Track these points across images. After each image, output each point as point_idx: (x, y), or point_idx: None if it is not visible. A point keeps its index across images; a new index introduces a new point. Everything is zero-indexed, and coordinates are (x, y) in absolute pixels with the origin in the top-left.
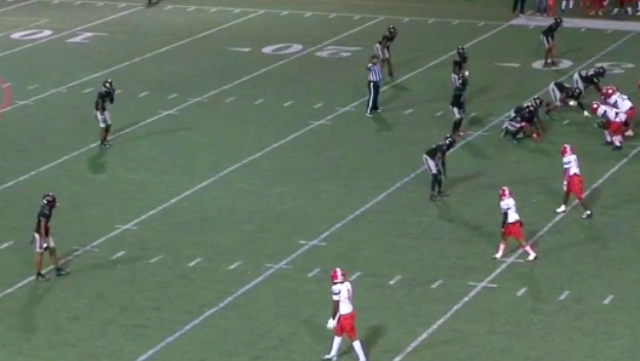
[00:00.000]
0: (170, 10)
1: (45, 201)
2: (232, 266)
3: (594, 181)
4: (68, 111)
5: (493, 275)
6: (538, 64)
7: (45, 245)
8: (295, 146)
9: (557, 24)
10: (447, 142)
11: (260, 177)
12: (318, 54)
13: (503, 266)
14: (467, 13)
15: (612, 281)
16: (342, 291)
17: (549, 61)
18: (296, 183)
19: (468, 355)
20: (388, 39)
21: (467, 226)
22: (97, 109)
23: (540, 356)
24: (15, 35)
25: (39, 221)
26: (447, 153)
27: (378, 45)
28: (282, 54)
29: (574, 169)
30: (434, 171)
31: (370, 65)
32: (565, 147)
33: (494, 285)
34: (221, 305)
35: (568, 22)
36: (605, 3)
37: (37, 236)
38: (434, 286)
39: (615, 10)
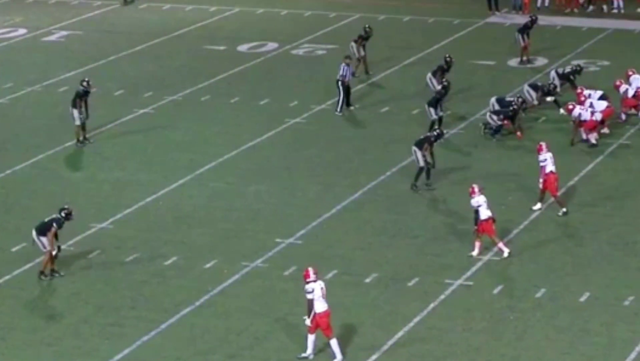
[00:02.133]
0: (145, 9)
1: (63, 214)
2: (208, 265)
3: (570, 179)
4: (44, 110)
5: (469, 273)
6: (514, 62)
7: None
8: (271, 144)
9: (533, 21)
10: (435, 133)
11: (236, 176)
12: (293, 52)
13: (479, 263)
14: (443, 11)
15: (588, 279)
16: (316, 289)
17: (525, 58)
18: (272, 181)
19: (444, 353)
20: (364, 38)
21: (444, 223)
22: (73, 107)
23: (517, 354)
24: None
25: (51, 225)
26: (435, 144)
27: (353, 44)
28: (258, 52)
29: (549, 167)
30: (421, 163)
31: (344, 64)
32: (541, 145)
33: (470, 283)
34: (197, 303)
35: (544, 20)
36: (580, 0)
37: (43, 239)
38: (410, 284)
39: (591, 7)
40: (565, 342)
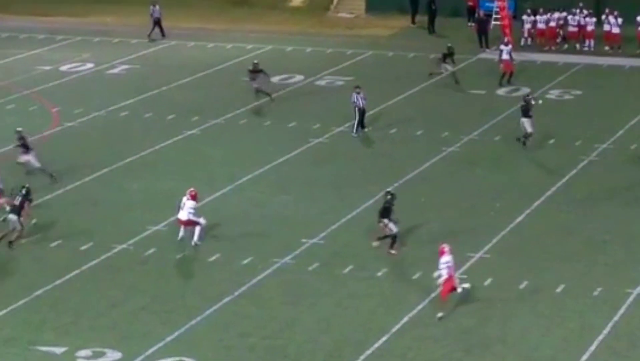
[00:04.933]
0: (192, 47)
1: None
2: (245, 261)
3: (553, 184)
4: (107, 131)
5: (464, 268)
6: (501, 91)
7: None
8: (297, 160)
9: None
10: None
11: (268, 187)
12: (317, 83)
13: (473, 260)
14: (442, 48)
15: (563, 273)
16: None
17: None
18: (298, 191)
19: (442, 334)
20: (447, 55)
21: (442, 227)
22: None
23: (503, 336)
24: (64, 68)
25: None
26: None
27: (444, 64)
28: (287, 83)
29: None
30: (395, 230)
31: (355, 93)
32: (443, 248)
33: (465, 276)
34: (236, 293)
35: (526, 56)
36: (557, 40)
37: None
38: (414, 277)
39: (566, 46)
40: (544, 326)
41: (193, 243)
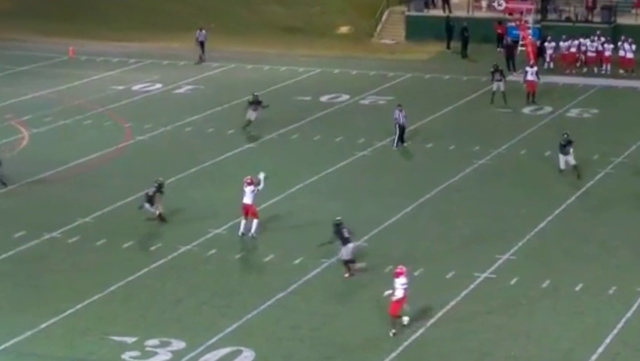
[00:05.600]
0: (250, 69)
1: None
2: (296, 261)
3: (573, 194)
4: (174, 145)
5: (493, 268)
6: (527, 110)
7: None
8: (344, 171)
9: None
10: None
11: (317, 194)
12: (361, 102)
13: (500, 261)
14: (473, 71)
15: (581, 274)
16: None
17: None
18: (344, 199)
19: (472, 329)
20: (496, 70)
21: (474, 231)
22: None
23: (528, 330)
24: (135, 88)
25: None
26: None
27: (495, 82)
28: (334, 102)
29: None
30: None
31: (397, 110)
32: (402, 270)
33: (494, 276)
34: (288, 290)
35: (549, 78)
36: (577, 64)
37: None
38: (448, 276)
39: (585, 69)
40: (563, 322)
41: (251, 235)
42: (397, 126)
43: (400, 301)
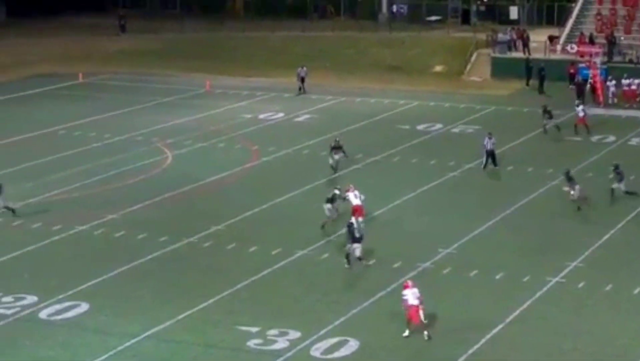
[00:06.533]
0: (359, 102)
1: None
2: (395, 265)
3: (635, 208)
4: (293, 164)
5: (563, 273)
6: (594, 138)
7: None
8: (437, 189)
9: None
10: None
11: (414, 208)
12: (452, 130)
13: (570, 268)
14: (549, 105)
15: (639, 277)
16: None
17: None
18: (436, 212)
19: (544, 326)
20: (545, 110)
21: (546, 242)
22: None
23: (591, 328)
24: (261, 116)
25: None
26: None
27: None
28: (429, 130)
29: (411, 300)
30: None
31: (487, 137)
32: (407, 283)
33: (563, 280)
34: (388, 289)
35: (612, 112)
36: (637, 100)
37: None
38: (524, 280)
39: None
40: (622, 321)
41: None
42: (485, 151)
43: (416, 308)
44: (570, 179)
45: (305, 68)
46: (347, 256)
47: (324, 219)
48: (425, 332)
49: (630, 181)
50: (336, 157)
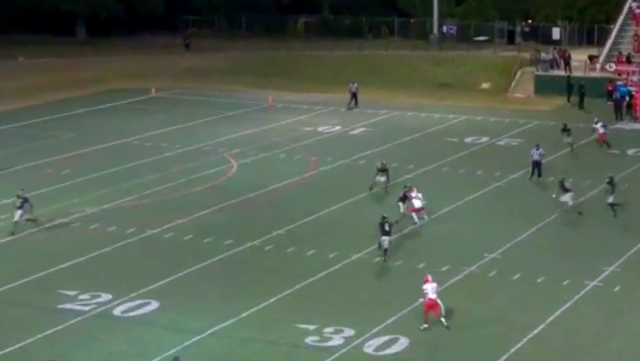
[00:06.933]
0: (411, 116)
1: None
2: (444, 268)
3: None
4: (350, 174)
5: (600, 277)
6: (631, 151)
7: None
8: (482, 199)
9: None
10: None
11: (461, 216)
12: (498, 143)
13: (607, 272)
14: (588, 120)
15: None
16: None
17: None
18: (482, 220)
19: (582, 326)
20: (565, 129)
21: (585, 247)
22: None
23: (625, 328)
24: (320, 129)
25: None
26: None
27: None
28: (476, 143)
29: (431, 294)
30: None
31: (534, 149)
32: (427, 277)
33: (601, 284)
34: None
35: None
36: None
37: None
38: (564, 283)
39: None
40: None
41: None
42: (532, 161)
43: (435, 301)
44: (564, 189)
45: (356, 84)
46: (379, 247)
47: (396, 217)
48: (445, 322)
49: None
50: (382, 179)
